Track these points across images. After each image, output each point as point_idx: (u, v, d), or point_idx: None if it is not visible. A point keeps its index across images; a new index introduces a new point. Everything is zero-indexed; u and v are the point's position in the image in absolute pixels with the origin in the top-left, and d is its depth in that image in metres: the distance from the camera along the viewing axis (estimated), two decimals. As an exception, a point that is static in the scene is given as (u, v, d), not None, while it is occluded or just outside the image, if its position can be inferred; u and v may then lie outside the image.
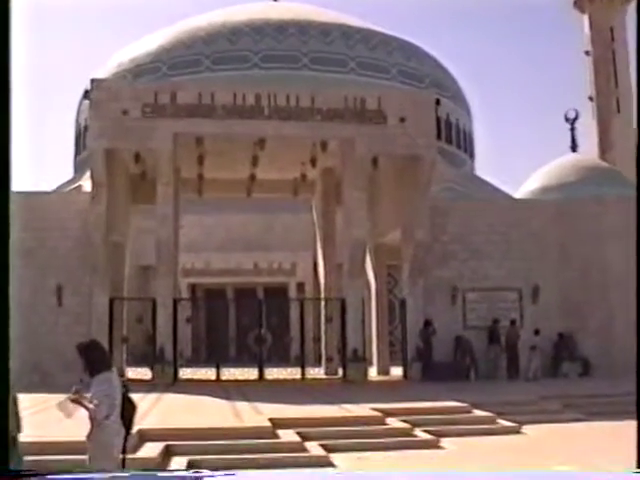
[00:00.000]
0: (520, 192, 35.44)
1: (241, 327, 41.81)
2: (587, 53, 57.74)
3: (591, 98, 56.61)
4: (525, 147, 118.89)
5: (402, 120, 26.76)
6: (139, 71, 50.10)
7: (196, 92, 26.57)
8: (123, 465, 8.20)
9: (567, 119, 36.17)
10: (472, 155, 55.33)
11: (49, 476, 7.96)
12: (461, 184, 34.84)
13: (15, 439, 7.27)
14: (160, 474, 10.79)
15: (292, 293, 44.06)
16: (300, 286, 44.31)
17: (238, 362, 32.56)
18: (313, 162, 29.04)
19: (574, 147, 36.04)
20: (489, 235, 29.19)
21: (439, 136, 37.63)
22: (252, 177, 31.42)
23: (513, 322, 28.68)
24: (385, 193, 30.45)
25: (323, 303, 31.61)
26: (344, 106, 26.76)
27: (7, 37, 6.66)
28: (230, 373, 28.08)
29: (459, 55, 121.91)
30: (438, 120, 32.60)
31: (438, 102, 28.10)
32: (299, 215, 39.82)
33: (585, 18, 58.55)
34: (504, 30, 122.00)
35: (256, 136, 26.99)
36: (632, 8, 58.02)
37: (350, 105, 26.79)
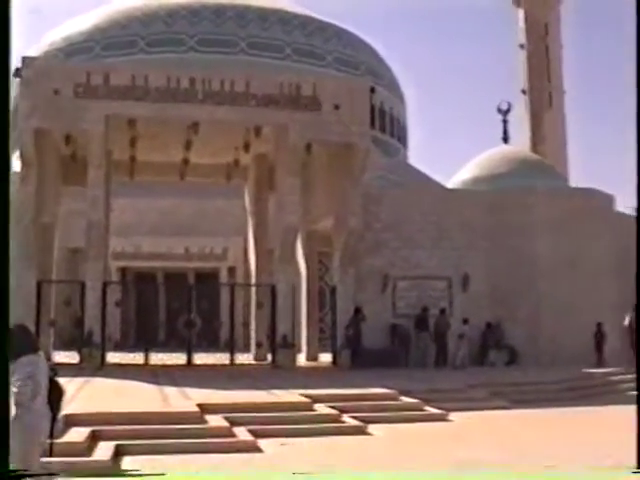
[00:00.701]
0: (452, 182, 35.76)
1: (171, 312, 41.48)
2: (522, 47, 58.47)
3: (524, 91, 57.35)
4: (459, 138, 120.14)
5: (337, 107, 26.82)
6: (72, 50, 49.31)
7: (130, 74, 26.29)
8: (51, 451, 8.09)
9: (499, 111, 36.58)
10: (405, 144, 55.69)
11: (49, 476, 7.94)
12: (394, 173, 35.00)
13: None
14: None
15: (223, 278, 43.95)
16: (231, 271, 44.21)
17: (167, 347, 32.37)
18: (246, 147, 28.99)
19: (506, 139, 36.48)
20: (421, 224, 29.45)
21: (373, 124, 37.80)
22: (185, 161, 31.24)
23: (443, 311, 28.99)
24: (318, 180, 30.51)
25: (253, 289, 31.58)
26: (279, 92, 26.72)
27: (7, 37, 6.57)
28: (159, 358, 27.91)
29: (394, 45, 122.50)
30: (372, 108, 32.77)
31: (373, 90, 28.24)
32: (232, 200, 39.69)
33: (521, 12, 59.26)
34: (441, 22, 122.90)
35: (190, 120, 26.83)
36: (566, 6, 58.97)
37: (285, 91, 26.76)
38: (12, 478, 6.92)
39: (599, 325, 29.29)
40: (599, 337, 29.34)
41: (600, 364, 28.56)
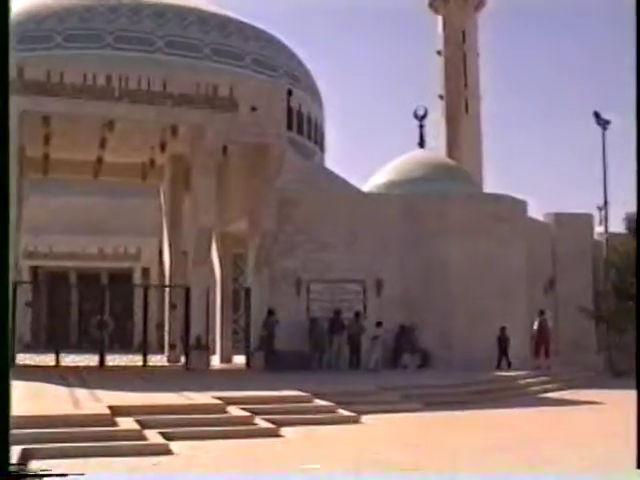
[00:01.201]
0: (368, 186, 36.08)
1: (83, 312, 41.02)
2: (439, 53, 59.26)
3: (441, 97, 58.13)
4: (376, 142, 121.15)
5: (254, 109, 26.85)
6: (-16, 43, 48.29)
7: (45, 69, 25.89)
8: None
9: (416, 116, 37.02)
10: (322, 147, 55.96)
11: (49, 476, 7.80)
12: (310, 175, 35.20)
13: None
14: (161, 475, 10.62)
15: (137, 279, 43.58)
16: (145, 272, 43.86)
17: (79, 348, 32.02)
18: (162, 147, 28.82)
19: (422, 143, 36.94)
20: (335, 227, 29.66)
21: (290, 126, 37.89)
22: (100, 159, 30.90)
23: (357, 314, 29.23)
24: (234, 181, 30.48)
25: (167, 290, 31.41)
26: (196, 92, 26.63)
27: (7, 37, 6.47)
28: (70, 359, 27.57)
29: (313, 47, 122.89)
30: (290, 110, 32.89)
31: (290, 92, 28.37)
32: (146, 200, 39.38)
33: (439, 19, 60.02)
34: (361, 26, 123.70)
35: (105, 118, 26.54)
36: (483, 13, 59.96)
37: (202, 91, 26.68)
38: (12, 478, 6.86)
39: (502, 329, 29.84)
40: (503, 341, 29.90)
41: (504, 367, 29.13)
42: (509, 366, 29.18)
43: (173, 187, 32.15)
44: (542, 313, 30.78)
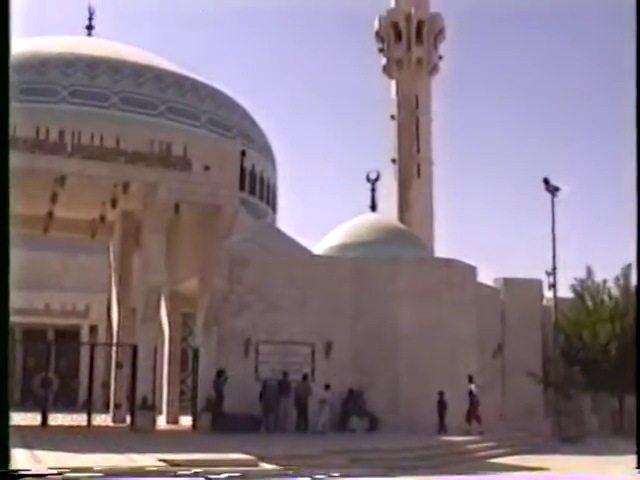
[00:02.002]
0: (319, 248, 36.14)
1: (27, 370, 40.35)
2: (393, 117, 59.85)
3: (394, 160, 58.64)
4: (329, 204, 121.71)
5: (207, 168, 26.92)
6: (-64, 95, 47.96)
7: (-4, 122, 25.72)
8: None
9: (368, 180, 37.29)
10: (274, 208, 56.10)
11: (49, 476, 7.71)
12: (261, 236, 35.16)
13: None
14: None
15: (84, 336, 43.03)
16: (93, 329, 43.35)
17: (22, 406, 31.37)
18: (114, 203, 28.70)
19: (373, 207, 37.17)
20: (286, 289, 29.64)
21: (242, 187, 37.97)
22: (50, 214, 30.67)
23: (305, 376, 29.10)
24: (185, 240, 30.41)
25: (114, 348, 31.05)
26: (149, 150, 26.66)
27: (7, 38, 6.49)
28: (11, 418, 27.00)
29: (269, 110, 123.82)
30: (243, 171, 32.98)
31: (244, 153, 28.53)
32: (96, 256, 39.08)
33: (393, 84, 60.76)
34: (316, 89, 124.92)
35: (57, 173, 26.40)
36: (437, 79, 60.87)
37: (156, 149, 26.73)
38: (12, 478, 6.81)
39: (441, 394, 29.82)
40: (441, 406, 29.86)
41: (442, 431, 29.09)
42: (445, 431, 29.11)
43: (123, 244, 31.98)
44: (470, 380, 30.75)
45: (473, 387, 30.48)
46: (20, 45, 52.34)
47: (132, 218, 30.77)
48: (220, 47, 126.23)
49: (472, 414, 30.17)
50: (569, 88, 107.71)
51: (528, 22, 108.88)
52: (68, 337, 42.97)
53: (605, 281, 38.05)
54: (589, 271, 38.28)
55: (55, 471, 9.29)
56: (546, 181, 35.43)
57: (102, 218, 31.05)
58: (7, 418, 6.68)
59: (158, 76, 51.67)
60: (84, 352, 35.52)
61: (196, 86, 53.11)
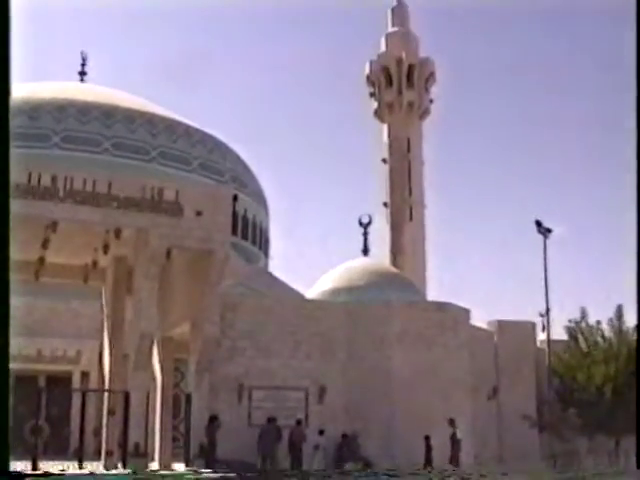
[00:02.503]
0: (312, 292, 36.12)
1: (18, 417, 39.95)
2: (384, 161, 60.01)
3: (386, 204, 58.73)
4: (321, 248, 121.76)
5: (198, 213, 26.95)
6: None
7: (-12, 168, 25.75)
8: None
9: (361, 223, 37.37)
10: (267, 252, 56.14)
11: (48, 476, 7.70)
12: (254, 280, 35.16)
13: None
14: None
15: (76, 382, 42.70)
16: (84, 375, 43.01)
17: (12, 454, 31.01)
18: (106, 249, 28.64)
19: (365, 251, 37.21)
20: (278, 333, 29.58)
21: (235, 231, 38.05)
22: (41, 260, 30.58)
23: (299, 422, 28.93)
24: (177, 285, 30.35)
25: (106, 395, 30.84)
26: (141, 195, 26.69)
27: (7, 42, 6.52)
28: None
29: (261, 155, 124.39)
30: (235, 215, 33.04)
31: (236, 198, 28.58)
32: (88, 302, 38.94)
33: (384, 127, 61.02)
34: (307, 133, 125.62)
35: (49, 218, 26.39)
36: (428, 122, 61.20)
37: (148, 195, 26.76)
38: (12, 478, 6.80)
39: (427, 438, 29.63)
40: (427, 450, 29.67)
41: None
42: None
43: (115, 289, 31.87)
44: (452, 423, 30.54)
45: (457, 431, 30.27)
46: (13, 90, 52.56)
47: (124, 264, 30.71)
48: (212, 93, 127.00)
49: (454, 458, 29.97)
50: (562, 130, 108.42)
51: (518, 66, 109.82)
52: (59, 383, 42.63)
53: (599, 322, 38.03)
54: (583, 312, 38.27)
55: (55, 471, 9.31)
56: (538, 223, 35.55)
57: (94, 264, 30.99)
58: (7, 418, 6.72)
59: (150, 121, 51.94)
60: (75, 399, 35.22)
61: (188, 131, 53.37)
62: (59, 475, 8.58)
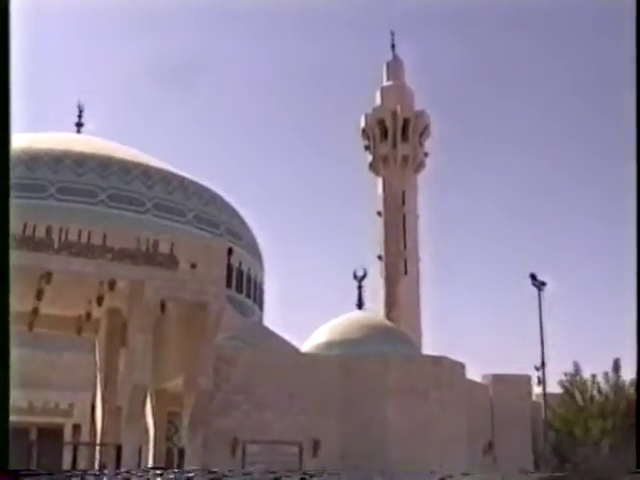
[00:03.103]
0: (306, 346, 35.95)
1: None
2: (379, 214, 60.12)
3: (380, 257, 58.71)
4: (316, 301, 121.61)
5: (193, 266, 26.91)
6: None
7: (-17, 219, 25.71)
8: None
9: (355, 277, 37.35)
10: (261, 305, 55.91)
11: (49, 476, 7.64)
12: (248, 334, 35.02)
13: None
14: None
15: (68, 435, 42.26)
16: (76, 428, 42.56)
17: (1, 507, 30.58)
18: (100, 301, 28.54)
19: (360, 304, 37.14)
20: (273, 387, 29.37)
21: (229, 284, 37.91)
22: (35, 311, 30.42)
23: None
24: (171, 337, 30.18)
25: (98, 448, 30.50)
26: (136, 247, 26.66)
27: (7, 48, 6.50)
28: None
29: (257, 207, 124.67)
30: (230, 268, 32.98)
31: (230, 251, 28.55)
32: (81, 354, 38.64)
33: (379, 181, 61.19)
34: (302, 186, 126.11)
35: (43, 269, 26.32)
36: (423, 175, 61.45)
37: (142, 246, 26.73)
38: (12, 477, 6.78)
39: None
40: None
41: None
42: None
43: (109, 341, 31.70)
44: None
45: None
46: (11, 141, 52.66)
47: (118, 316, 30.57)
48: (208, 143, 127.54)
49: None
50: (557, 184, 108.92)
51: (512, 122, 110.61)
52: (51, 436, 42.17)
53: (594, 376, 37.86)
54: (576, 367, 38.12)
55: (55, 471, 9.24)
56: (533, 276, 35.49)
57: (88, 315, 30.83)
58: (7, 418, 6.70)
59: (146, 173, 51.96)
60: (67, 452, 34.78)
61: (184, 183, 53.38)
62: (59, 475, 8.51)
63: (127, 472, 15.60)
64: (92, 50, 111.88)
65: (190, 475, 16.75)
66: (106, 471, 28.33)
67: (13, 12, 8.44)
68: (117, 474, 15.57)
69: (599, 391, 37.69)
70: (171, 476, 15.66)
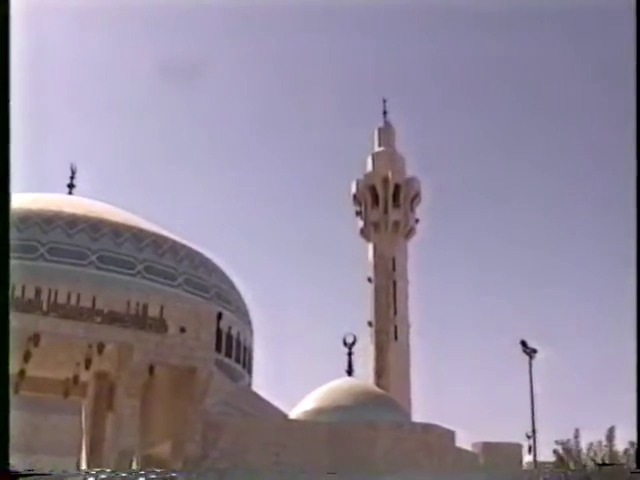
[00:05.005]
0: (295, 412, 35.69)
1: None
2: (369, 280, 60.08)
3: (370, 323, 58.56)
4: (305, 367, 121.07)
5: (182, 330, 26.88)
6: None
7: (-29, 280, 25.67)
8: None
9: (345, 343, 37.25)
10: (250, 370, 55.57)
11: (49, 476, 7.54)
12: (237, 399, 34.74)
13: None
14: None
15: (51, 500, 41.71)
16: (60, 493, 42.05)
17: None
18: (88, 364, 28.44)
19: (350, 371, 36.99)
20: (261, 454, 29.07)
21: (219, 349, 37.72)
22: (22, 373, 30.24)
23: None
24: (159, 402, 29.99)
25: (83, 514, 30.08)
26: (126, 310, 26.64)
27: (7, 51, 6.56)
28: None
29: (247, 271, 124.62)
30: (219, 332, 32.89)
31: (220, 316, 28.55)
32: (67, 416, 38.27)
33: (370, 246, 61.30)
34: (293, 250, 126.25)
35: (31, 331, 26.22)
36: (413, 242, 61.63)
37: (132, 310, 26.71)
38: (12, 477, 6.66)
39: None
40: None
41: None
42: None
43: (96, 405, 31.47)
44: None
45: None
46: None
47: (106, 379, 30.40)
48: (201, 205, 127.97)
49: None
50: (549, 246, 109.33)
51: (502, 188, 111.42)
52: (34, 501, 41.58)
53: (591, 444, 37.59)
54: (577, 433, 37.82)
55: (54, 472, 9.14)
56: (524, 343, 35.42)
57: (75, 378, 30.69)
58: (7, 418, 6.65)
59: (137, 235, 51.98)
60: (50, 518, 34.24)
61: (174, 247, 53.39)
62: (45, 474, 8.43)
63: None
64: (83, 117, 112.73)
65: None
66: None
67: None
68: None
69: (593, 460, 37.35)
70: None
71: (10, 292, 25.51)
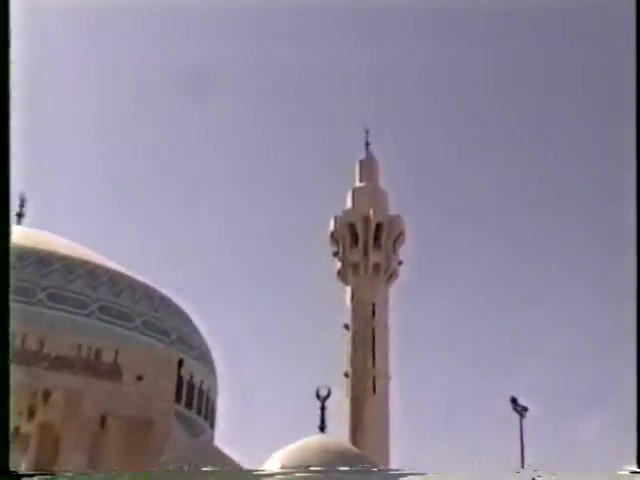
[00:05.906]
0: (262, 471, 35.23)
1: None
2: (346, 327, 59.53)
3: (347, 374, 58.08)
4: (273, 422, 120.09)
5: (139, 378, 26.52)
6: None
7: None
8: None
9: (318, 396, 36.88)
10: (213, 423, 55.00)
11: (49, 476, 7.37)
12: (198, 455, 34.23)
13: None
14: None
15: None
16: None
17: None
18: (31, 414, 27.96)
19: (322, 427, 36.61)
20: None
21: (179, 399, 37.28)
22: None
23: None
24: (111, 457, 29.51)
25: None
26: (76, 354, 26.30)
27: (6, 51, 6.39)
28: None
29: (211, 312, 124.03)
30: (180, 381, 32.48)
31: (181, 362, 28.18)
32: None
33: (348, 290, 60.83)
34: (263, 291, 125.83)
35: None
36: (395, 285, 61.27)
37: (84, 354, 26.38)
38: (12, 478, 6.58)
39: None
40: None
41: None
42: None
43: (38, 460, 30.92)
44: None
45: None
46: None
47: (51, 431, 29.92)
48: (169, 240, 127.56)
49: None
50: (534, 298, 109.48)
51: (494, 225, 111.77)
52: None
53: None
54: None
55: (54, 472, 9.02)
56: (514, 400, 35.26)
57: (17, 430, 30.18)
58: (7, 419, 6.50)
59: (91, 272, 51.61)
60: None
61: (132, 285, 53.03)
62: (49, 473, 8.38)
63: None
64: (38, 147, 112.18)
65: None
66: None
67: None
68: None
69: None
70: None
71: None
